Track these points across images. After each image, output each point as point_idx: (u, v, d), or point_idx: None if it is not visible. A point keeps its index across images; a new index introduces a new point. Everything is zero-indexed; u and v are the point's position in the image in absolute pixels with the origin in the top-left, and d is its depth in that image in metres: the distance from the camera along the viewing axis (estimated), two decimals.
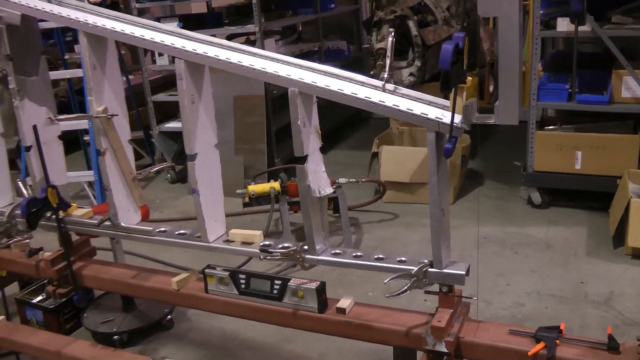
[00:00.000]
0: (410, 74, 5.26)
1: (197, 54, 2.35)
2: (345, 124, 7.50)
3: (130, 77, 6.85)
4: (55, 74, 5.59)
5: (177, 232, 2.63)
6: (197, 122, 2.41)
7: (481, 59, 6.48)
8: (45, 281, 4.20)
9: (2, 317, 3.39)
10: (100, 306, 3.82)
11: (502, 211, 4.99)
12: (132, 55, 7.40)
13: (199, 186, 2.44)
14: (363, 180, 4.77)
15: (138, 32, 2.48)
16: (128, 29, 2.48)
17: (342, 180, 4.78)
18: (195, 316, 3.78)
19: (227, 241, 2.54)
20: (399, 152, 5.25)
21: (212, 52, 2.36)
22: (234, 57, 2.36)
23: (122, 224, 2.69)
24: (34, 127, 2.83)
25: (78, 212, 2.92)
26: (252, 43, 5.97)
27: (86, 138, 5.97)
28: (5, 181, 3.24)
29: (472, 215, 4.98)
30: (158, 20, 5.76)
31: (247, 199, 4.44)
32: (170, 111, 6.66)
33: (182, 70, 2.36)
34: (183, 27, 2.86)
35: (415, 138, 5.58)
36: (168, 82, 6.64)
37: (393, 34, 4.66)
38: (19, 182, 3.06)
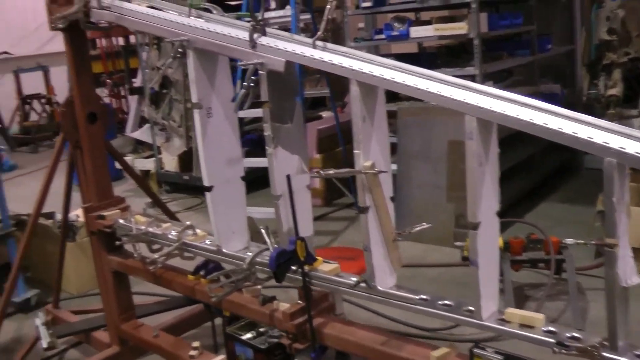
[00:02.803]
0: None
1: (494, 112, 2.11)
2: (554, 175, 6.97)
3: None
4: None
5: (440, 303, 2.39)
6: (482, 186, 2.17)
7: None
8: None
9: (222, 356, 3.36)
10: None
11: None
12: (339, 89, 7.28)
13: (479, 258, 2.19)
14: (592, 242, 4.34)
15: (449, 91, 2.24)
16: (423, 84, 2.26)
17: (569, 241, 4.41)
18: None
19: (502, 320, 2.26)
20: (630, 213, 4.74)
21: (504, 108, 2.12)
22: (524, 114, 2.12)
23: (379, 288, 2.50)
24: (288, 177, 2.72)
25: (324, 267, 2.77)
26: None
27: None
28: (242, 223, 3.20)
29: None
30: None
31: (465, 253, 4.18)
32: None
33: (474, 129, 2.13)
34: None
35: None
36: None
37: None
38: (263, 229, 2.97)
